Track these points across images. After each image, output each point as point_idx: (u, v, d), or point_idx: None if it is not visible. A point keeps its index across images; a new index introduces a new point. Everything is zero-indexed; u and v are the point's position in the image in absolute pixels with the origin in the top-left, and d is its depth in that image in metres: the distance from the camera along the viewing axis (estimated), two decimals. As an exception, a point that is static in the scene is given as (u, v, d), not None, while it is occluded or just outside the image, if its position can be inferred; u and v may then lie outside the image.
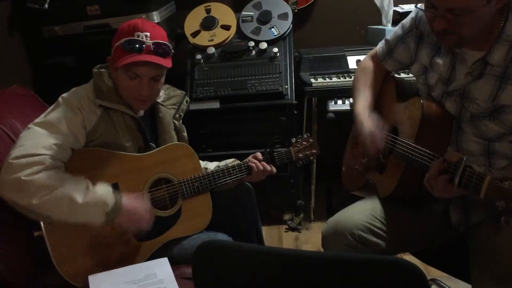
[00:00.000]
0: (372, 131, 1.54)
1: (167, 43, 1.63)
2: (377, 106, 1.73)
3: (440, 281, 1.99)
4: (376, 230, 1.51)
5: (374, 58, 1.76)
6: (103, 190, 1.51)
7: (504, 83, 1.34)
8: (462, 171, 1.19)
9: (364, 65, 1.77)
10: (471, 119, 1.42)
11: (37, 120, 1.53)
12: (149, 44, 1.58)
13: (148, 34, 1.58)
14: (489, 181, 1.12)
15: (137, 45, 1.56)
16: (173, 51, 1.66)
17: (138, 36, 1.57)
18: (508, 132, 1.37)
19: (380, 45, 1.73)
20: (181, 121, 1.85)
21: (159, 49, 1.59)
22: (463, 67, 1.42)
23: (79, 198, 1.45)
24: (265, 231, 2.76)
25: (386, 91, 1.72)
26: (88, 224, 1.49)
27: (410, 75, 2.42)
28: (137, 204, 1.56)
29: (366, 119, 1.58)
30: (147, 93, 1.62)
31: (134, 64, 1.56)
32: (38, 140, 1.46)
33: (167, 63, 1.62)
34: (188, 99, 1.90)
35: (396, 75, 1.78)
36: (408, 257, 1.75)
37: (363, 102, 1.65)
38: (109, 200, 1.49)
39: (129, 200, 1.54)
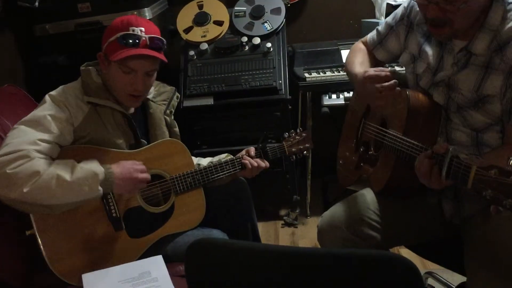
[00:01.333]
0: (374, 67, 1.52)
1: (161, 38, 1.64)
2: None
3: (436, 274, 2.00)
4: (372, 223, 1.51)
5: (365, 44, 1.77)
6: (89, 164, 1.51)
7: (487, 73, 1.34)
8: (449, 162, 1.19)
9: (357, 47, 1.77)
10: (458, 109, 1.42)
11: (23, 119, 1.53)
12: (144, 38, 1.58)
13: (143, 29, 1.59)
14: (476, 170, 1.12)
15: (133, 40, 1.57)
16: (166, 46, 1.66)
17: (133, 30, 1.57)
18: (494, 122, 1.37)
19: (371, 34, 1.74)
20: (172, 117, 1.85)
21: (154, 44, 1.60)
22: (450, 57, 1.42)
23: (67, 176, 1.45)
24: (262, 226, 2.77)
25: None
26: (88, 200, 1.50)
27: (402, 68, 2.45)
28: (126, 165, 1.56)
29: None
30: (142, 88, 1.63)
31: (131, 57, 1.56)
32: (23, 138, 1.46)
33: (162, 57, 1.63)
34: (179, 95, 1.90)
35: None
36: (405, 251, 1.75)
37: (360, 68, 1.63)
38: (98, 170, 1.49)
39: (118, 166, 1.55)
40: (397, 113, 1.50)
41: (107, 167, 1.53)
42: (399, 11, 1.61)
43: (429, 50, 1.49)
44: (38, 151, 1.45)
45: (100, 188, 1.49)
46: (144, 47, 1.58)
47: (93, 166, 1.51)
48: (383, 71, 1.48)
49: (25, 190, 1.40)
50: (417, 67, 1.53)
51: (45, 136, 1.48)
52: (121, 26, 1.58)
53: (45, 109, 1.53)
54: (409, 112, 1.44)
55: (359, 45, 1.77)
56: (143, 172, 1.59)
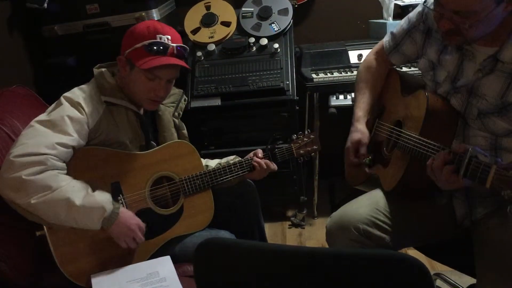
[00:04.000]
0: (361, 140, 1.63)
1: (185, 46, 1.66)
2: (381, 100, 1.73)
3: (445, 275, 1.99)
4: (381, 224, 1.50)
5: (379, 53, 1.75)
6: (102, 196, 1.51)
7: None
8: (468, 162, 1.19)
9: (368, 63, 1.77)
10: (479, 115, 1.40)
11: (40, 118, 1.53)
12: (172, 47, 1.59)
13: (169, 37, 1.60)
14: (495, 170, 1.12)
15: (161, 48, 1.58)
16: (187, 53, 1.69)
17: (160, 38, 1.58)
18: None
19: (387, 38, 1.72)
20: (180, 119, 1.85)
21: (179, 52, 1.62)
22: (471, 64, 1.41)
23: (77, 200, 1.45)
24: (269, 227, 2.77)
25: (390, 85, 1.72)
26: (83, 228, 1.50)
27: (413, 69, 2.45)
28: (132, 217, 1.56)
29: (359, 131, 1.65)
30: (164, 94, 1.66)
31: (160, 67, 1.57)
32: (40, 139, 1.46)
33: (187, 65, 1.66)
34: (186, 98, 1.91)
35: (399, 69, 1.78)
36: (412, 252, 1.74)
37: (363, 106, 1.69)
38: (107, 206, 1.49)
39: (126, 212, 1.55)
40: (414, 113, 1.50)
41: (116, 206, 1.52)
42: (413, 16, 1.60)
43: (449, 57, 1.47)
44: (55, 156, 1.46)
45: (100, 223, 1.49)
46: (171, 56, 1.59)
47: (104, 200, 1.50)
48: (359, 156, 1.64)
49: (32, 201, 1.41)
50: (437, 76, 1.52)
51: (63, 139, 1.48)
52: (147, 33, 1.59)
53: (62, 110, 1.53)
54: (427, 113, 1.43)
55: (371, 61, 1.76)
56: (142, 231, 1.57)
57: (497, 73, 1.35)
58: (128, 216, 1.55)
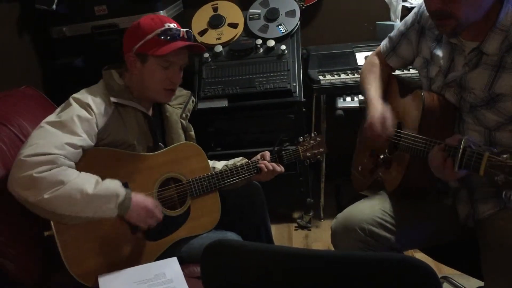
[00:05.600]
0: (384, 115, 1.55)
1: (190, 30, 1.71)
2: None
3: (452, 279, 1.98)
4: (386, 224, 1.51)
5: (379, 55, 1.78)
6: (113, 183, 1.52)
7: (499, 72, 1.35)
8: (462, 152, 1.20)
9: (371, 61, 1.78)
10: (470, 109, 1.43)
11: (49, 119, 1.54)
12: (183, 31, 1.64)
13: (175, 24, 1.64)
14: (488, 157, 1.13)
15: (175, 34, 1.62)
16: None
17: (169, 26, 1.62)
18: (506, 121, 1.38)
19: (384, 42, 1.76)
20: (187, 121, 1.86)
21: (189, 36, 1.67)
22: (461, 58, 1.43)
23: (90, 189, 1.46)
24: (275, 229, 2.76)
25: (389, 88, 1.73)
26: (101, 218, 1.50)
27: (411, 71, 2.45)
28: (146, 199, 1.57)
29: (380, 105, 1.60)
30: (179, 81, 1.69)
31: (176, 51, 1.60)
32: (50, 139, 1.47)
33: (202, 46, 1.74)
34: (194, 99, 1.92)
35: (397, 74, 1.79)
36: (419, 255, 1.74)
37: (375, 90, 1.68)
38: (120, 192, 1.51)
39: (138, 196, 1.56)
40: (411, 113, 1.51)
41: (128, 191, 1.53)
42: (409, 17, 1.63)
43: (440, 53, 1.50)
44: (65, 156, 1.46)
45: (117, 209, 1.50)
46: (184, 40, 1.64)
47: (116, 187, 1.52)
48: (386, 130, 1.52)
49: (46, 196, 1.41)
50: (430, 71, 1.55)
51: (72, 140, 1.49)
52: (154, 24, 1.62)
53: (71, 111, 1.54)
54: (423, 112, 1.45)
55: (374, 59, 1.78)
56: (159, 210, 1.59)
57: (482, 66, 1.38)
58: (141, 198, 1.56)
